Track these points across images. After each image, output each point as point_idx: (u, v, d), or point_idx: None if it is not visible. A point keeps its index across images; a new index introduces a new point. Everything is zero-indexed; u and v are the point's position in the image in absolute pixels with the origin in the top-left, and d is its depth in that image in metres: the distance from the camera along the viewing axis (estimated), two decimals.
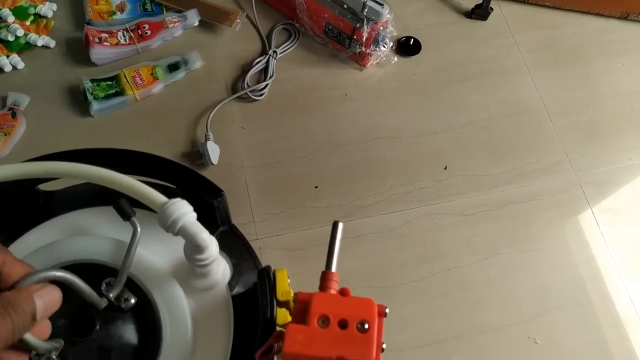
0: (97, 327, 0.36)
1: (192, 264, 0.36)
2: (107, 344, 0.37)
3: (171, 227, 0.34)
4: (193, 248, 0.34)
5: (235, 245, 0.41)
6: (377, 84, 1.23)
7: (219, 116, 1.14)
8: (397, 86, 1.23)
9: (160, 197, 0.34)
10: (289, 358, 0.28)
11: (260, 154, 1.13)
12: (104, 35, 1.18)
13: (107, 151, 0.42)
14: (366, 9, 1.13)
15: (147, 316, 0.37)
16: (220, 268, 0.39)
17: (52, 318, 0.35)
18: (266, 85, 1.18)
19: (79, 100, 1.14)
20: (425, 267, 1.05)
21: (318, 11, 1.19)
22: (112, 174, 0.35)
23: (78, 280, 0.34)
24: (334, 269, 0.36)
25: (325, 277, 0.37)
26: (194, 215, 0.34)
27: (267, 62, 1.21)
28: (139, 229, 0.36)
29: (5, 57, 1.17)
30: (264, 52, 1.23)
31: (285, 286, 0.37)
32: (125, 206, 0.37)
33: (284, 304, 0.36)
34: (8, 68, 1.17)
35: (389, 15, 1.15)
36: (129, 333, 0.37)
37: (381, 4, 1.13)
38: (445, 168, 1.15)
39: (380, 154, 1.16)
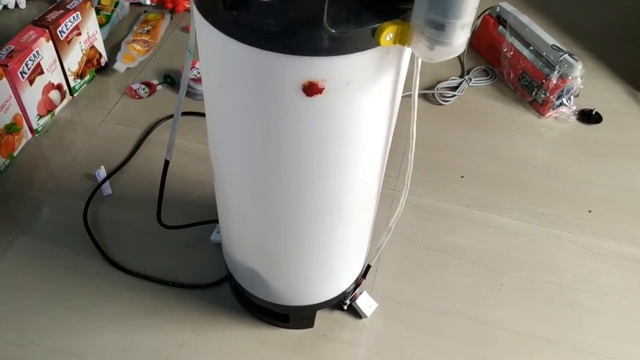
0: None
1: None
2: None
3: None
4: None
5: None
6: (551, 130, 1.35)
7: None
8: (567, 139, 1.34)
9: None
10: None
11: (424, 145, 1.30)
12: None
13: None
14: (561, 58, 1.29)
15: None
16: None
17: None
18: (453, 96, 1.38)
19: None
20: (536, 273, 1.08)
21: (520, 59, 1.39)
22: None
23: None
24: None
25: None
26: None
27: (460, 83, 1.41)
28: None
29: None
30: (461, 76, 1.45)
31: None
32: None
33: None
34: None
35: (581, 71, 1.29)
36: None
37: (576, 60, 1.29)
38: (590, 212, 1.19)
39: (530, 177, 1.25)
